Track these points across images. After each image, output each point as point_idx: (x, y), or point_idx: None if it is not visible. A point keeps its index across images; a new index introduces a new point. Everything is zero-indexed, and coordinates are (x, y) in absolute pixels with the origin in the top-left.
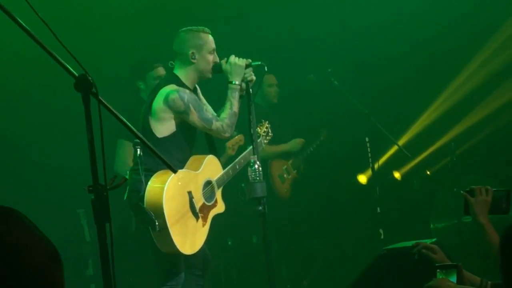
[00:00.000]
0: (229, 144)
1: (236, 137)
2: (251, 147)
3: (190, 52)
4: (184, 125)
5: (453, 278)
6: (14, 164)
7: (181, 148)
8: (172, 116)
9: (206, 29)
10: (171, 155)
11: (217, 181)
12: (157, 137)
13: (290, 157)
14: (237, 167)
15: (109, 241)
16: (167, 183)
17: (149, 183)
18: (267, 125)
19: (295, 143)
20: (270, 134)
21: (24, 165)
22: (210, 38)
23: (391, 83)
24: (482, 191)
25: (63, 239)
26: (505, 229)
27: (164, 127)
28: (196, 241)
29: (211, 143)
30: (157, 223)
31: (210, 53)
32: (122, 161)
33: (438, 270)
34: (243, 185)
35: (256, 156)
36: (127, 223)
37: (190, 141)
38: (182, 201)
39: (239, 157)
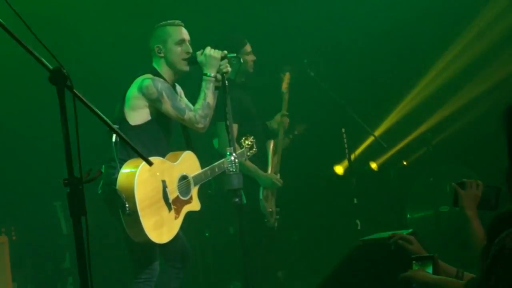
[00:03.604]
0: (283, 88)
1: (285, 77)
2: (232, 158)
3: (156, 47)
4: (159, 116)
5: (429, 269)
6: None
7: (155, 138)
8: (147, 104)
9: (177, 22)
10: (143, 144)
11: (194, 178)
12: (130, 125)
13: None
14: (216, 170)
15: (85, 234)
16: (140, 166)
17: (123, 166)
18: (252, 140)
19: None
20: (254, 149)
21: (0, 158)
22: (178, 29)
23: (367, 74)
24: (473, 184)
25: (40, 232)
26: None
27: (137, 114)
28: (166, 231)
29: (187, 138)
30: (127, 206)
31: (177, 44)
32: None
33: (414, 262)
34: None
35: (232, 148)
36: (104, 217)
37: (165, 133)
38: (155, 188)
39: (219, 161)
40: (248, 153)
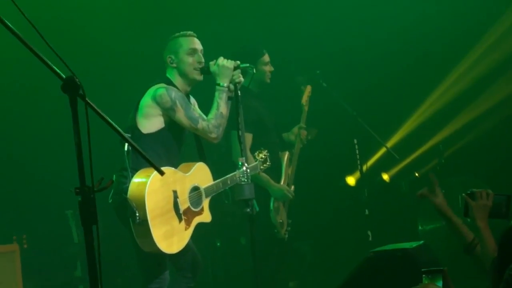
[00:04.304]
0: (303, 101)
1: (305, 90)
2: (243, 168)
3: (168, 57)
4: (172, 125)
5: (439, 283)
6: (3, 165)
7: (167, 147)
8: (160, 113)
9: (189, 33)
10: (154, 152)
11: (206, 189)
12: (142, 133)
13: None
14: (229, 182)
15: (96, 243)
16: (152, 176)
17: (134, 175)
18: (266, 153)
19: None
20: (268, 163)
21: (13, 166)
22: (190, 40)
23: (379, 85)
24: (483, 195)
25: (51, 240)
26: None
27: (150, 122)
28: (176, 242)
29: (200, 149)
30: (137, 215)
31: (188, 54)
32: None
33: (424, 275)
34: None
35: (244, 158)
36: (115, 225)
37: (178, 142)
38: (166, 198)
39: (232, 174)
40: (262, 167)
